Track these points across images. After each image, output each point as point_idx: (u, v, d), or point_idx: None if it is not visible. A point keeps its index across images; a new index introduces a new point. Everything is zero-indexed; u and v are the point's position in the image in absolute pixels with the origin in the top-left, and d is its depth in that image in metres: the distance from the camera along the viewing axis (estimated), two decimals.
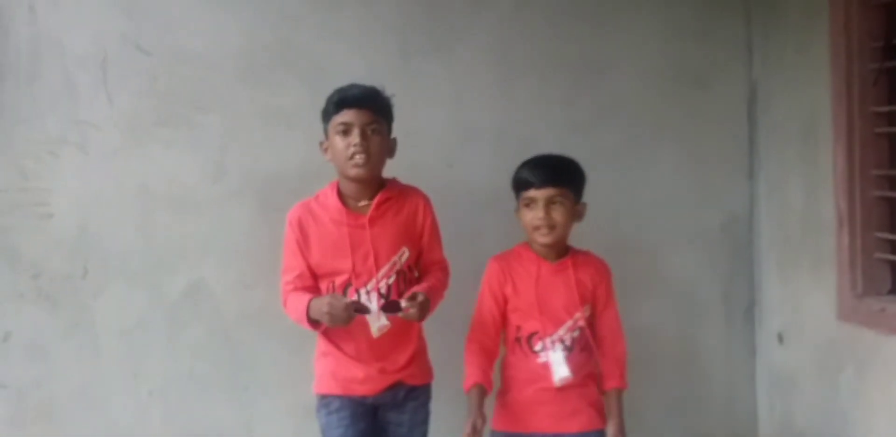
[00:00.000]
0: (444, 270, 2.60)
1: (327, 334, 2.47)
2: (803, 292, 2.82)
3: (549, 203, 2.43)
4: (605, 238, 2.83)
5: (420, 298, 2.34)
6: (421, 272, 2.56)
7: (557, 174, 2.46)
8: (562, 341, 2.46)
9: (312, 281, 2.47)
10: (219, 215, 2.76)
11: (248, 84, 2.78)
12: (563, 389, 2.45)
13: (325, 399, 2.48)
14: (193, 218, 2.76)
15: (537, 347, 2.48)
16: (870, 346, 2.47)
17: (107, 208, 2.72)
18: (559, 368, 2.44)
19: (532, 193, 2.44)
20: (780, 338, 2.97)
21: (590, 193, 2.61)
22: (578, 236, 2.59)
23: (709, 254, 3.09)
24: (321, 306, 2.32)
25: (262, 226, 2.71)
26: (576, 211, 2.49)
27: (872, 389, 2.47)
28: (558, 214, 2.44)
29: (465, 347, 2.53)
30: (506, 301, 2.53)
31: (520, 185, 2.49)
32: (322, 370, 2.50)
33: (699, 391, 3.10)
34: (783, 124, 2.93)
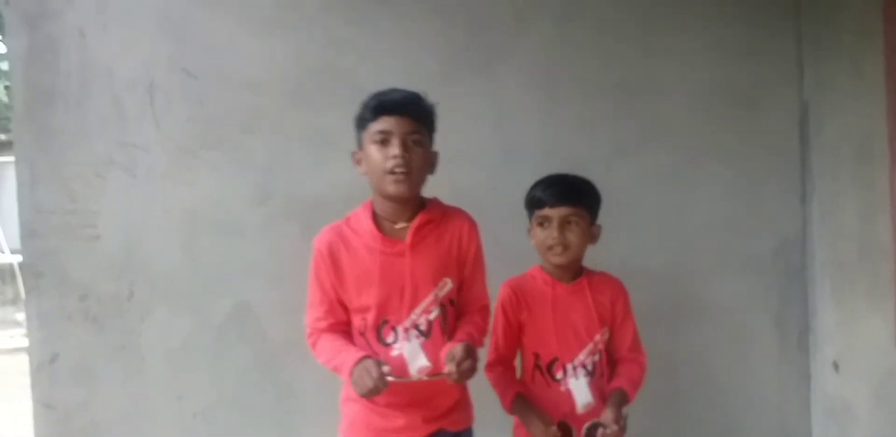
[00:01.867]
0: (484, 312, 2.35)
1: None
2: (859, 318, 2.78)
3: (564, 223, 2.38)
4: (653, 263, 2.84)
5: (458, 354, 2.07)
6: (459, 309, 2.30)
7: (573, 193, 2.41)
8: (584, 366, 2.40)
9: (345, 315, 2.24)
10: (264, 238, 2.79)
11: (294, 107, 2.82)
12: (587, 415, 2.36)
13: None
14: (238, 241, 2.79)
15: (558, 375, 2.40)
16: None
17: (153, 231, 2.76)
18: (582, 395, 2.37)
19: (546, 211, 2.39)
20: (836, 366, 2.93)
21: (638, 217, 2.60)
22: (624, 261, 2.58)
23: (761, 279, 3.07)
24: (355, 378, 2.07)
25: (306, 249, 2.56)
26: (590, 232, 2.43)
27: None
28: (573, 235, 2.39)
29: (487, 376, 2.45)
30: (521, 328, 2.45)
31: (533, 203, 2.44)
32: (353, 418, 2.27)
33: (752, 420, 3.07)
34: (836, 145, 2.90)
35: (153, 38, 2.78)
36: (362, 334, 2.22)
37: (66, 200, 2.72)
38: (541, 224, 2.42)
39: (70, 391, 2.73)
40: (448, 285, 2.23)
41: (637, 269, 2.64)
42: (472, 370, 2.11)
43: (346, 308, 2.24)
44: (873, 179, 2.67)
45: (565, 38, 2.97)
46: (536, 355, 2.44)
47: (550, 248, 2.40)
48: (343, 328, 2.25)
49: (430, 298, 2.21)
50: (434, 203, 2.30)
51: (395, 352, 2.19)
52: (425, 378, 2.14)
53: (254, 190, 2.81)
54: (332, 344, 2.19)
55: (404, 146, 2.14)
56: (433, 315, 2.21)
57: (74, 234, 2.72)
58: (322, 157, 2.80)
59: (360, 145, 2.22)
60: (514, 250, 2.76)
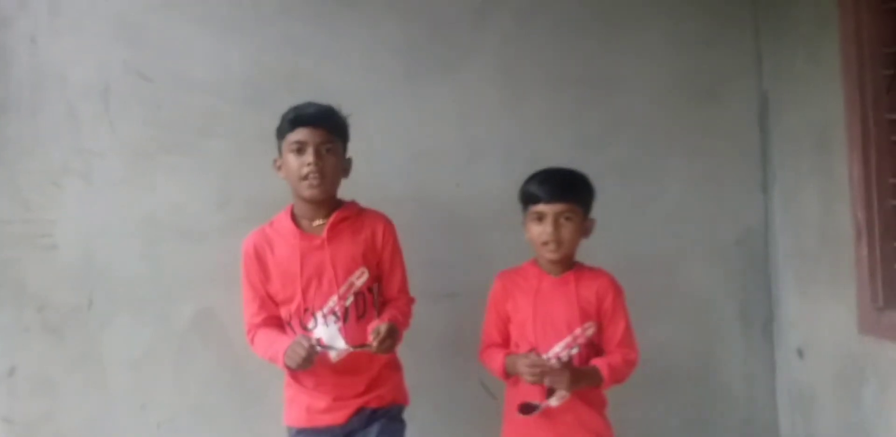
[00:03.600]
0: (409, 301, 2.57)
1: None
2: (822, 306, 2.81)
3: (559, 219, 2.41)
4: (617, 255, 2.82)
5: (383, 329, 2.29)
6: (383, 300, 2.52)
7: (568, 189, 2.44)
8: (559, 358, 2.39)
9: (276, 309, 2.46)
10: (225, 243, 2.71)
11: (253, 109, 2.77)
12: (563, 411, 2.40)
13: (293, 432, 2.48)
14: (199, 246, 2.76)
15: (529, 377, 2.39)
16: (892, 359, 2.46)
17: (112, 238, 2.72)
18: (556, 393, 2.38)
19: (541, 207, 2.42)
20: (800, 353, 2.96)
21: (601, 210, 2.59)
22: (590, 253, 2.58)
23: (724, 269, 3.09)
24: (288, 354, 2.30)
25: None
26: (584, 227, 2.46)
27: None
28: (567, 231, 2.41)
29: (481, 359, 2.54)
30: (509, 318, 2.51)
31: (528, 199, 2.46)
32: (290, 401, 2.49)
33: (718, 408, 3.08)
34: (796, 135, 2.92)
35: (107, 42, 2.73)
36: (288, 323, 2.45)
37: (21, 209, 2.67)
38: (536, 220, 2.44)
39: (30, 404, 2.68)
40: (365, 274, 2.45)
41: (601, 261, 2.61)
42: (391, 346, 2.34)
43: (276, 303, 2.46)
44: (832, 168, 2.69)
45: (526, 33, 2.97)
46: (517, 346, 2.49)
47: (545, 243, 2.43)
48: (276, 322, 2.47)
49: (345, 285, 2.42)
50: (350, 204, 2.51)
51: (314, 336, 2.35)
52: (350, 348, 2.32)
53: (213, 194, 2.77)
54: (266, 337, 2.42)
55: (318, 155, 2.36)
56: (349, 302, 2.42)
57: (31, 244, 2.68)
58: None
59: (280, 153, 2.44)
60: (478, 247, 2.88)
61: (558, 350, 2.42)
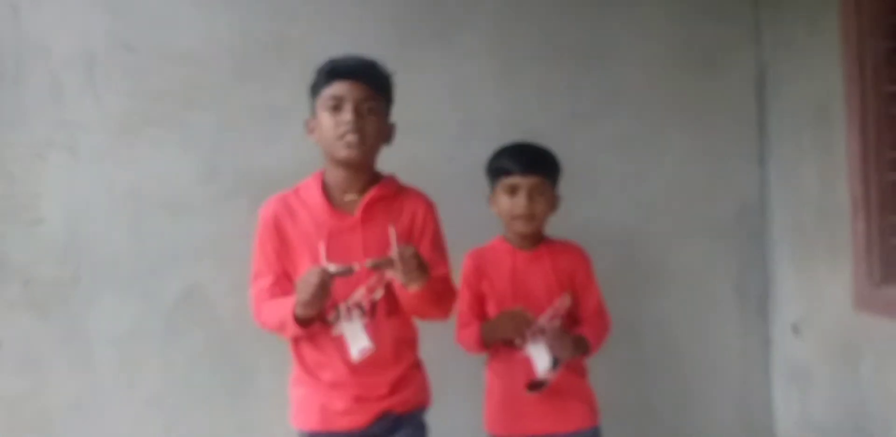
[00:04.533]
0: (448, 285, 2.25)
1: (302, 361, 2.19)
2: (819, 282, 2.79)
3: (532, 192, 2.40)
4: (613, 230, 2.85)
5: (411, 262, 1.98)
6: None
7: (542, 162, 2.44)
8: (543, 332, 2.39)
9: (291, 288, 2.13)
10: (213, 217, 2.74)
11: (241, 80, 2.76)
12: (552, 385, 2.40)
13: (304, 435, 2.22)
14: (187, 221, 2.74)
15: (518, 341, 2.41)
16: (888, 335, 2.44)
17: (97, 212, 2.71)
18: (542, 360, 2.38)
19: (516, 179, 2.40)
20: (796, 329, 2.94)
21: (597, 184, 2.61)
22: (584, 228, 2.61)
23: (720, 244, 3.07)
24: (299, 289, 2.01)
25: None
26: (553, 201, 2.47)
27: (892, 379, 2.45)
28: (540, 204, 2.42)
29: (458, 342, 2.49)
30: (484, 297, 2.49)
31: (500, 171, 2.45)
32: (300, 401, 2.22)
33: (713, 384, 3.08)
34: (795, 108, 2.90)
35: (90, 11, 2.70)
36: None
37: (4, 183, 2.65)
38: (508, 192, 2.42)
39: (15, 381, 2.67)
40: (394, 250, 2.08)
41: (597, 236, 2.65)
42: (414, 266, 1.99)
43: (292, 283, 2.15)
44: (831, 143, 2.66)
45: (520, 4, 2.93)
46: None
47: (517, 217, 2.42)
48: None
49: (376, 276, 2.12)
50: (389, 179, 2.24)
51: (335, 332, 2.14)
52: (368, 265, 2.01)
53: (200, 167, 2.75)
54: (273, 303, 2.13)
55: (358, 113, 2.09)
56: (378, 295, 2.15)
57: (15, 218, 2.66)
58: (270, 131, 2.76)
59: (313, 112, 2.16)
60: (472, 221, 2.76)
61: (543, 323, 2.42)
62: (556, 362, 2.37)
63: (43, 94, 2.67)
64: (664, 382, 2.98)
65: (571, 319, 2.49)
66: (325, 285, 1.97)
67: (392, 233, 2.10)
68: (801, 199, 2.89)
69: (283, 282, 2.16)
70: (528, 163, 2.41)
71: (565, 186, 2.52)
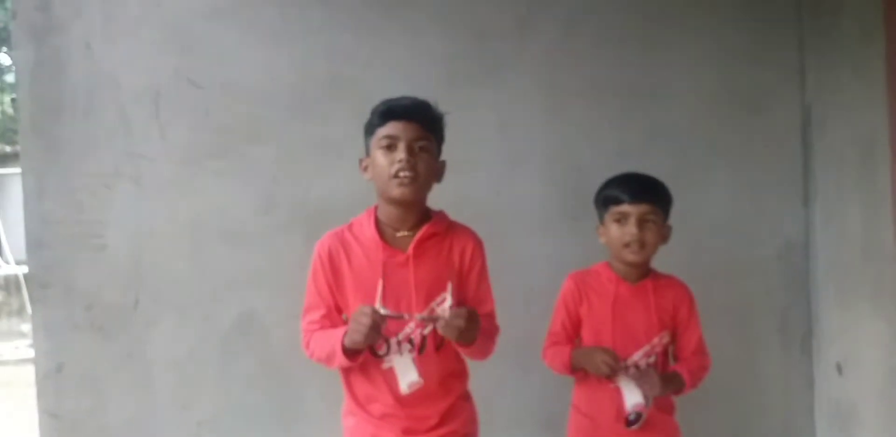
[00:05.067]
0: (493, 321, 2.30)
1: (352, 392, 2.23)
2: (863, 321, 2.77)
3: (642, 220, 2.37)
4: (658, 267, 2.71)
5: (463, 312, 2.03)
6: None
7: (651, 191, 2.42)
8: (637, 367, 2.39)
9: (341, 323, 2.19)
10: (269, 247, 2.79)
11: (299, 116, 2.82)
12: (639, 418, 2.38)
13: None
14: (244, 250, 2.80)
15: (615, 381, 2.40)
16: None
17: (159, 240, 2.77)
18: (631, 395, 2.35)
19: (625, 208, 2.38)
20: (839, 368, 2.92)
21: None
22: None
23: (764, 283, 3.06)
24: (351, 330, 2.05)
25: (311, 257, 2.55)
26: (663, 232, 2.43)
27: None
28: (650, 233, 2.38)
29: (543, 356, 2.50)
30: (580, 321, 2.47)
31: (609, 200, 2.42)
32: (350, 432, 2.25)
33: (756, 423, 3.06)
34: (839, 149, 2.90)
35: (159, 49, 2.79)
36: None
37: (73, 210, 2.72)
38: (617, 221, 2.40)
39: (76, 400, 2.73)
40: (447, 300, 2.16)
41: None
42: (461, 326, 2.04)
43: (341, 315, 2.22)
44: (876, 183, 2.66)
45: (569, 45, 2.97)
46: None
47: (627, 245, 2.38)
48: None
49: (426, 311, 2.16)
50: (440, 216, 2.27)
51: (385, 365, 2.17)
52: (418, 317, 2.09)
53: (259, 199, 2.81)
54: (322, 334, 2.17)
55: (410, 151, 2.12)
56: (427, 330, 2.17)
57: (81, 244, 2.73)
58: (326, 165, 2.81)
59: (368, 151, 2.21)
60: (518, 255, 2.85)
61: (637, 358, 2.41)
62: (647, 399, 2.35)
63: (112, 126, 2.75)
64: (707, 419, 2.93)
65: (667, 356, 2.47)
66: (376, 326, 2.02)
67: (449, 288, 2.13)
68: (845, 238, 2.88)
69: (334, 315, 2.21)
70: (637, 191, 2.38)
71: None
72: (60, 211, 2.72)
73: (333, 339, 2.10)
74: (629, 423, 2.35)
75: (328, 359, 2.15)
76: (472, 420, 2.31)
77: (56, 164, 2.72)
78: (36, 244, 2.72)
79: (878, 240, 2.66)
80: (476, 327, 2.08)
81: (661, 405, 2.43)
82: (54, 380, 2.72)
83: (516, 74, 2.95)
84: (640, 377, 2.34)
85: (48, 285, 2.71)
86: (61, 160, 2.72)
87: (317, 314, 2.21)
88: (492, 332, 2.27)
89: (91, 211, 2.73)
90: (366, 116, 2.26)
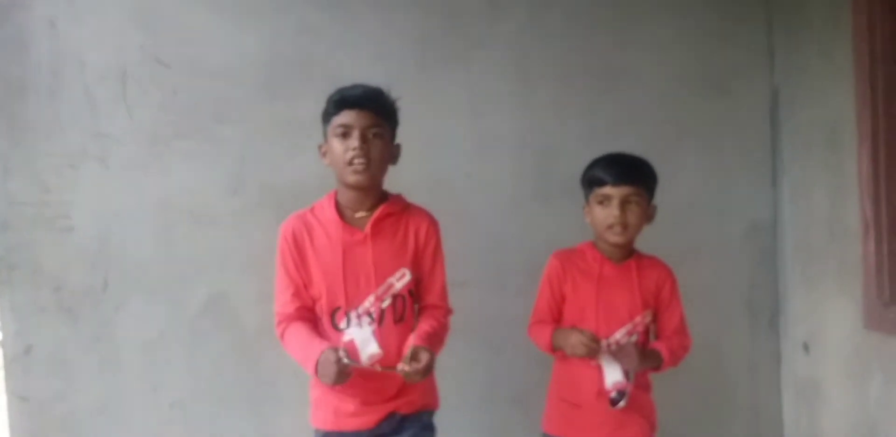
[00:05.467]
0: (444, 315, 2.38)
1: None
2: (829, 301, 2.80)
3: (625, 202, 2.39)
4: None
5: (423, 359, 2.14)
6: (420, 304, 2.37)
7: (634, 173, 2.42)
8: (618, 345, 2.42)
9: (310, 300, 2.31)
10: (238, 228, 2.77)
11: (267, 96, 2.80)
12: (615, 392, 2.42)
13: (320, 434, 2.35)
14: (213, 231, 2.78)
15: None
16: None
17: (127, 221, 2.74)
18: (612, 373, 2.39)
19: (608, 190, 2.39)
20: (806, 347, 2.95)
21: None
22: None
23: (732, 262, 3.08)
24: (320, 372, 2.15)
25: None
26: (648, 212, 2.45)
27: None
28: (633, 214, 2.40)
29: (529, 333, 2.52)
30: (563, 299, 2.49)
31: (593, 182, 2.43)
32: (316, 402, 2.35)
33: (723, 401, 3.09)
34: (806, 130, 2.91)
35: (125, 27, 2.74)
36: (320, 319, 2.31)
37: (39, 191, 2.69)
38: (600, 202, 2.42)
39: (45, 382, 2.70)
40: (406, 275, 2.30)
41: None
42: (424, 376, 2.17)
43: (310, 294, 2.31)
44: (842, 164, 2.67)
45: (539, 26, 2.96)
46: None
47: (610, 227, 2.41)
48: (309, 315, 2.31)
49: (384, 286, 2.28)
50: (396, 198, 2.37)
51: (346, 337, 2.25)
52: (379, 369, 2.19)
53: (228, 179, 2.79)
54: (297, 338, 2.26)
55: (364, 139, 2.22)
56: (386, 304, 2.28)
57: (48, 225, 2.70)
58: (296, 146, 2.78)
59: (326, 138, 2.30)
60: (488, 237, 2.86)
61: (619, 337, 2.43)
62: (627, 374, 2.39)
63: (77, 106, 2.71)
64: (675, 398, 2.88)
65: (649, 335, 2.50)
66: (342, 373, 2.11)
67: (409, 346, 2.18)
68: (811, 219, 2.90)
69: (302, 293, 2.30)
70: (620, 174, 2.39)
71: (577, 204, 2.52)
72: (26, 192, 2.68)
73: (309, 352, 2.18)
74: (613, 402, 2.39)
75: (300, 364, 2.24)
76: (429, 391, 2.39)
77: (21, 144, 2.67)
78: (1, 226, 2.67)
79: (844, 220, 2.68)
80: (432, 366, 2.18)
81: (639, 383, 2.46)
82: (22, 363, 2.69)
83: (486, 56, 2.94)
84: (618, 351, 2.37)
85: (14, 267, 2.68)
86: (26, 140, 2.67)
87: (287, 294, 2.30)
88: (442, 335, 2.34)
89: (57, 192, 2.70)
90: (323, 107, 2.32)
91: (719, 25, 3.05)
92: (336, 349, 2.13)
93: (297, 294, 2.30)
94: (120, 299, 2.74)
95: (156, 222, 2.76)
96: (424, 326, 2.28)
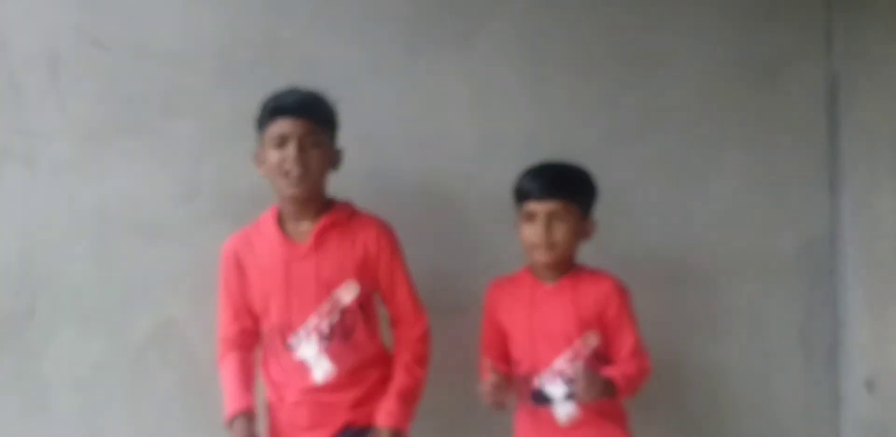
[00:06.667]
0: (419, 340, 2.51)
1: (270, 380, 2.46)
2: None
3: (551, 219, 2.39)
4: (657, 266, 2.82)
5: None
6: (392, 321, 2.50)
7: (561, 185, 2.42)
8: (561, 374, 2.39)
9: (251, 323, 2.46)
10: (191, 242, 2.69)
11: (227, 86, 2.73)
12: (576, 428, 2.39)
13: None
14: (161, 246, 2.70)
15: (535, 383, 2.42)
16: None
17: (57, 235, 2.66)
18: (561, 406, 2.39)
19: (532, 206, 2.41)
20: (870, 385, 2.86)
21: (638, 212, 2.67)
22: (621, 264, 2.58)
23: (783, 285, 3.00)
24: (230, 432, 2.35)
25: None
26: (581, 228, 2.43)
27: None
28: (560, 232, 2.39)
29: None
30: (503, 332, 2.52)
31: (520, 195, 2.46)
32: (269, 421, 2.47)
33: None
34: (871, 127, 2.84)
35: (56, 3, 2.67)
36: (268, 338, 2.46)
37: None
38: (527, 219, 2.43)
39: None
40: (353, 288, 2.40)
41: (638, 273, 2.60)
42: None
43: (254, 315, 2.46)
44: None
45: (553, 2, 2.90)
46: (518, 363, 2.48)
47: (535, 246, 2.42)
48: (248, 340, 2.47)
49: (330, 301, 2.39)
50: (342, 206, 2.48)
51: (297, 356, 2.40)
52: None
53: (178, 185, 2.71)
54: (226, 377, 2.43)
55: (300, 148, 2.34)
56: (334, 319, 2.39)
57: None
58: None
59: (261, 146, 2.43)
60: (492, 247, 2.81)
61: (561, 366, 2.41)
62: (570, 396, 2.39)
63: None
64: None
65: (602, 360, 2.45)
66: None
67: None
68: (877, 233, 2.83)
69: (243, 316, 2.46)
70: (545, 187, 2.40)
71: (601, 212, 2.48)
72: None
73: (228, 404, 2.37)
74: (534, 397, 2.41)
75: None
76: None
77: None
78: None
79: None
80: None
81: (605, 413, 2.43)
82: None
83: (490, 39, 2.86)
84: (576, 378, 2.32)
85: None
86: None
87: (228, 315, 2.47)
88: (420, 357, 2.48)
89: None
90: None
91: (768, 4, 2.98)
92: (250, 420, 2.32)
93: (237, 317, 2.46)
94: (49, 328, 2.64)
95: (92, 235, 2.67)
96: (393, 387, 2.42)
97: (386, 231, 2.47)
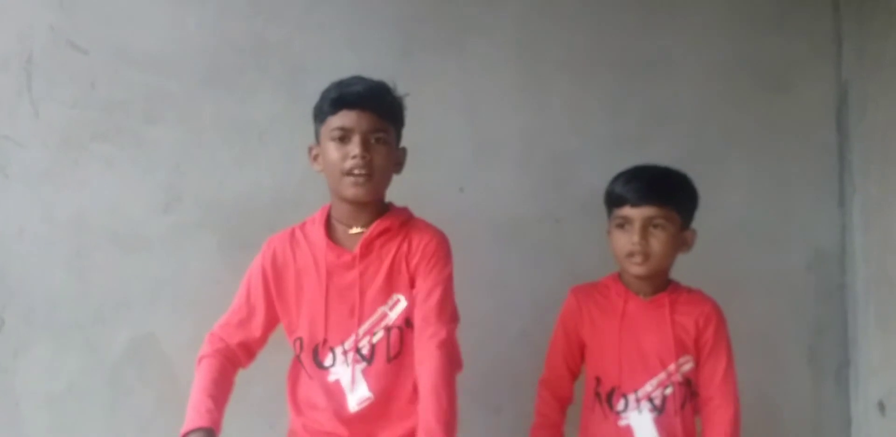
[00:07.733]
0: (444, 355, 2.19)
1: (297, 407, 2.29)
2: None
3: (647, 226, 2.35)
4: None
5: None
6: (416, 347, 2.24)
7: (661, 190, 2.37)
8: (650, 399, 2.37)
9: (254, 335, 2.28)
10: (171, 254, 2.70)
11: (212, 91, 2.74)
12: None
13: None
14: (140, 257, 2.69)
15: (619, 406, 2.39)
16: None
17: (31, 245, 2.65)
18: (644, 434, 2.35)
19: (626, 211, 2.36)
20: (882, 407, 2.88)
21: None
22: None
23: (790, 301, 3.03)
24: None
25: (224, 266, 2.64)
26: (680, 238, 2.40)
27: None
28: (657, 241, 2.35)
29: (537, 390, 2.52)
30: (582, 346, 2.48)
31: (612, 201, 2.42)
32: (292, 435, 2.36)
33: None
34: (883, 136, 2.87)
35: (30, 3, 2.67)
36: (298, 356, 2.31)
37: None
38: (620, 226, 2.40)
39: None
40: (401, 302, 2.26)
41: None
42: None
43: (265, 329, 2.31)
44: None
45: (551, 5, 2.94)
46: (597, 380, 2.45)
47: (630, 255, 2.37)
48: (241, 355, 2.28)
49: (375, 317, 2.26)
50: (398, 211, 2.35)
51: (331, 377, 2.25)
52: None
53: (159, 193, 2.72)
54: (197, 383, 2.21)
55: (366, 145, 2.21)
56: (377, 338, 2.25)
57: None
58: (245, 151, 2.73)
59: (318, 139, 2.30)
60: (487, 267, 2.87)
61: (650, 389, 2.39)
62: None
63: None
64: None
65: (690, 386, 2.43)
66: None
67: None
68: (889, 246, 2.84)
69: (253, 325, 2.29)
70: (643, 191, 2.35)
71: (600, 224, 2.48)
72: None
73: (188, 417, 2.15)
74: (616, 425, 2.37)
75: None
76: None
77: None
78: None
79: None
80: None
81: None
82: None
83: (485, 41, 2.89)
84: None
85: None
86: None
87: (235, 318, 2.31)
88: (451, 363, 2.21)
89: None
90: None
91: (775, 6, 3.04)
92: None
93: (243, 326, 2.30)
94: (20, 343, 2.64)
95: (68, 246, 2.67)
96: (425, 408, 2.12)
97: (436, 237, 2.31)
